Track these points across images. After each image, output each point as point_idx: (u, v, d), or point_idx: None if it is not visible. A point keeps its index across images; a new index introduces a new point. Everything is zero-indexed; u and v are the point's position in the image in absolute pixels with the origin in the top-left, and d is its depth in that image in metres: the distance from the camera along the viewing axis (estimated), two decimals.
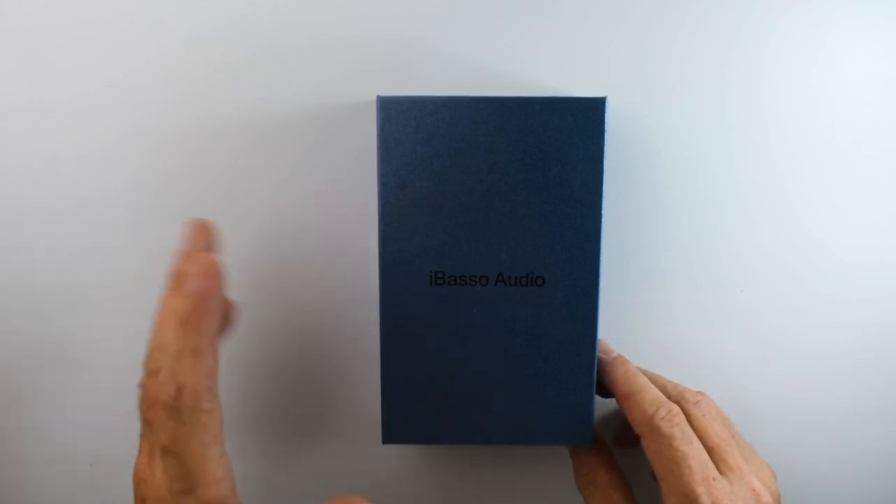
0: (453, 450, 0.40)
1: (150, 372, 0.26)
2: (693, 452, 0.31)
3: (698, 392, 0.35)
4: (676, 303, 0.38)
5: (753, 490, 0.31)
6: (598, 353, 0.34)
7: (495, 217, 0.32)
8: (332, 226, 0.37)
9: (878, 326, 0.38)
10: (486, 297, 0.33)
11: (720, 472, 0.32)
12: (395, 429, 0.34)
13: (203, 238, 0.28)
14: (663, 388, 0.34)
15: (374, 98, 0.32)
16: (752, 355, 0.38)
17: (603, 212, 0.32)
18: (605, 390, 0.35)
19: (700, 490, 0.30)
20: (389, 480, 0.35)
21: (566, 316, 0.33)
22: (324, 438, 0.37)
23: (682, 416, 0.32)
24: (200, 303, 0.26)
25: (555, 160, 0.32)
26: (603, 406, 0.39)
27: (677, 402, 0.33)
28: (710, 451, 0.32)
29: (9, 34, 0.36)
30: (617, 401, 0.34)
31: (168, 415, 0.25)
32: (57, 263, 0.38)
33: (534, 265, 0.33)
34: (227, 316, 0.28)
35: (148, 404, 0.26)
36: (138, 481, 0.27)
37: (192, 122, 0.37)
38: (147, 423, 0.26)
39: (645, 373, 0.35)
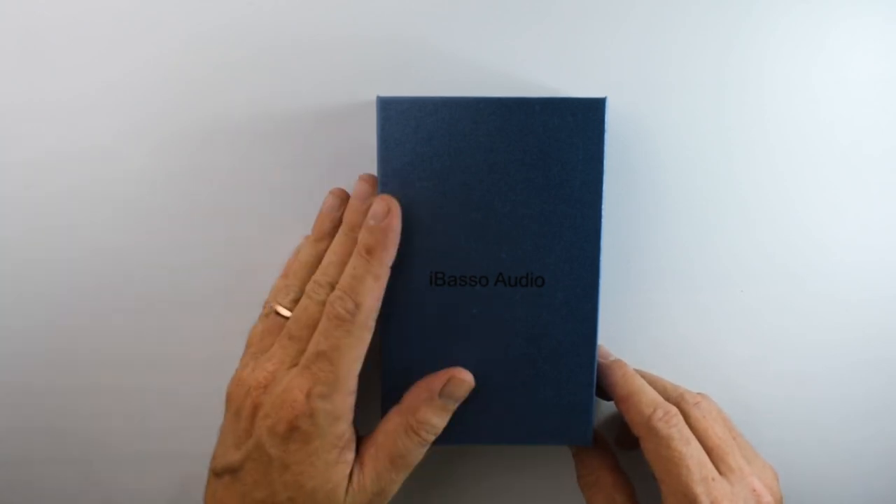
0: (453, 449, 0.40)
1: (314, 301, 0.32)
2: (691, 453, 0.31)
3: (699, 393, 0.35)
4: (676, 303, 0.38)
5: (754, 491, 0.31)
6: (599, 358, 0.34)
7: (495, 217, 0.32)
8: None
9: (878, 326, 0.38)
10: (485, 298, 0.33)
11: (720, 472, 0.31)
12: None
13: (372, 187, 0.33)
14: (663, 390, 0.34)
15: (374, 98, 0.32)
16: (752, 355, 0.38)
17: (603, 212, 0.32)
18: (605, 393, 0.35)
19: (699, 490, 0.30)
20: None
21: (566, 316, 0.33)
22: None
23: (680, 417, 0.32)
24: (387, 236, 0.31)
25: (555, 160, 0.32)
26: (605, 408, 0.39)
27: (677, 404, 0.33)
28: (710, 451, 0.32)
29: (9, 35, 0.36)
30: (616, 403, 0.34)
31: (337, 325, 0.30)
32: (57, 263, 0.38)
33: (534, 265, 0.33)
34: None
35: (304, 325, 0.32)
36: (252, 387, 0.31)
37: (193, 122, 0.37)
38: (292, 339, 0.32)
39: (644, 375, 0.35)
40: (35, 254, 0.38)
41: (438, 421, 0.32)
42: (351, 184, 0.37)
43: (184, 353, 0.39)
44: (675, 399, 0.34)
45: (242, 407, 0.31)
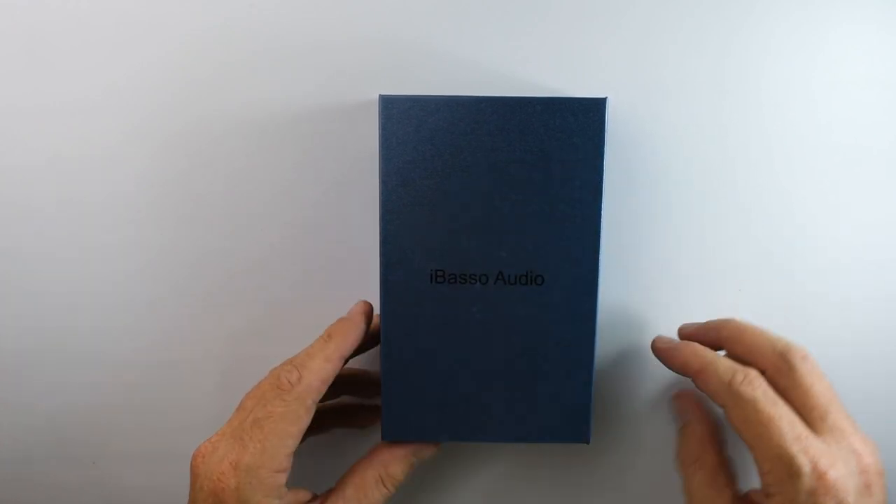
0: (452, 447, 0.40)
1: (271, 376, 0.33)
2: (780, 412, 0.29)
3: (803, 347, 0.32)
4: (675, 302, 0.38)
5: (855, 451, 0.29)
6: (659, 345, 0.35)
7: (496, 216, 0.32)
8: (334, 224, 0.37)
9: (875, 325, 0.39)
10: (485, 296, 0.33)
11: (818, 431, 0.29)
12: (395, 426, 0.34)
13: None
14: (769, 341, 0.32)
15: (375, 98, 0.32)
16: None
17: (602, 211, 0.32)
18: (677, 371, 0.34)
19: (794, 449, 0.28)
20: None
21: (565, 315, 0.33)
22: (325, 435, 0.37)
23: (762, 379, 0.30)
24: (351, 327, 0.33)
25: (555, 160, 0.32)
26: (605, 406, 0.39)
27: (782, 356, 0.31)
28: (812, 409, 0.30)
29: (15, 37, 0.36)
30: (693, 381, 0.33)
31: (276, 394, 0.31)
32: (60, 263, 0.38)
33: (533, 264, 0.33)
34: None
35: (252, 395, 0.33)
36: (194, 456, 0.32)
37: (195, 123, 0.37)
38: (241, 409, 0.33)
39: (745, 332, 0.33)
40: (38, 254, 0.38)
41: (403, 476, 0.34)
42: (352, 183, 0.37)
43: (187, 353, 0.39)
44: (781, 350, 0.31)
45: (191, 477, 0.32)
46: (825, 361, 0.39)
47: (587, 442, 0.34)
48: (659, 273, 0.38)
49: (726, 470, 0.32)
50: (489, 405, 0.34)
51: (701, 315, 0.38)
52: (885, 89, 0.37)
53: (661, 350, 0.35)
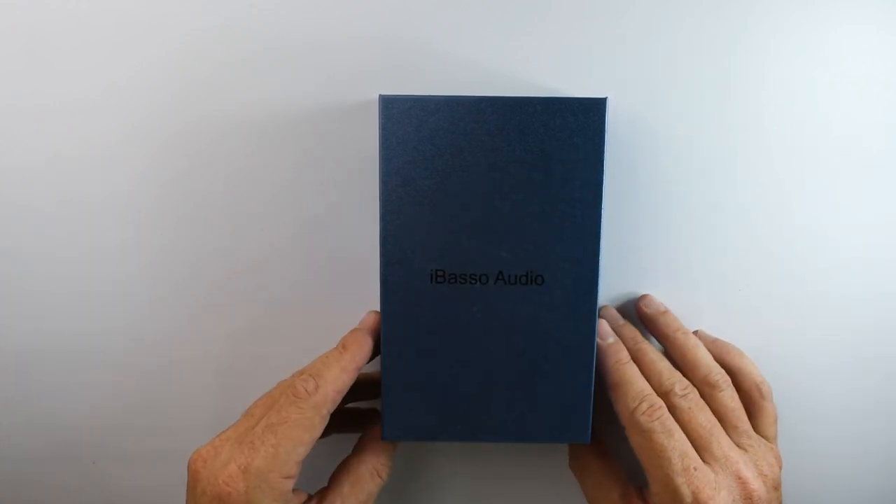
0: (452, 447, 0.40)
1: (281, 386, 0.34)
2: (673, 445, 0.31)
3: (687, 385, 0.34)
4: (676, 302, 0.38)
5: (740, 478, 0.32)
6: (598, 341, 0.35)
7: (496, 216, 0.32)
8: (334, 224, 0.37)
9: (876, 324, 0.39)
10: (486, 296, 0.33)
11: (704, 461, 0.32)
12: (396, 426, 0.34)
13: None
14: (658, 376, 0.34)
15: (375, 98, 0.32)
16: (751, 353, 0.38)
17: (603, 211, 0.32)
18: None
19: (679, 481, 0.31)
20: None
21: (566, 314, 0.33)
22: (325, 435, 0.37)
23: (664, 410, 0.32)
24: (365, 338, 0.34)
25: (555, 160, 0.32)
26: (609, 402, 0.39)
27: (666, 395, 0.33)
28: (694, 441, 0.32)
29: (15, 37, 0.36)
30: (606, 389, 0.35)
31: (292, 401, 0.31)
32: (60, 263, 0.38)
33: (534, 264, 0.33)
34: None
35: (262, 404, 0.34)
36: (194, 460, 0.32)
37: (195, 123, 0.37)
38: (248, 416, 0.33)
39: (644, 358, 0.35)
40: (38, 254, 0.38)
41: (392, 460, 0.35)
42: (352, 183, 0.37)
43: (187, 353, 0.39)
44: (666, 388, 0.34)
45: (189, 480, 0.32)
46: (825, 361, 0.39)
47: (587, 441, 0.34)
48: (659, 273, 0.38)
49: (611, 474, 0.35)
50: (489, 405, 0.34)
51: (703, 315, 0.38)
52: (885, 89, 0.37)
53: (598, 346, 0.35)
